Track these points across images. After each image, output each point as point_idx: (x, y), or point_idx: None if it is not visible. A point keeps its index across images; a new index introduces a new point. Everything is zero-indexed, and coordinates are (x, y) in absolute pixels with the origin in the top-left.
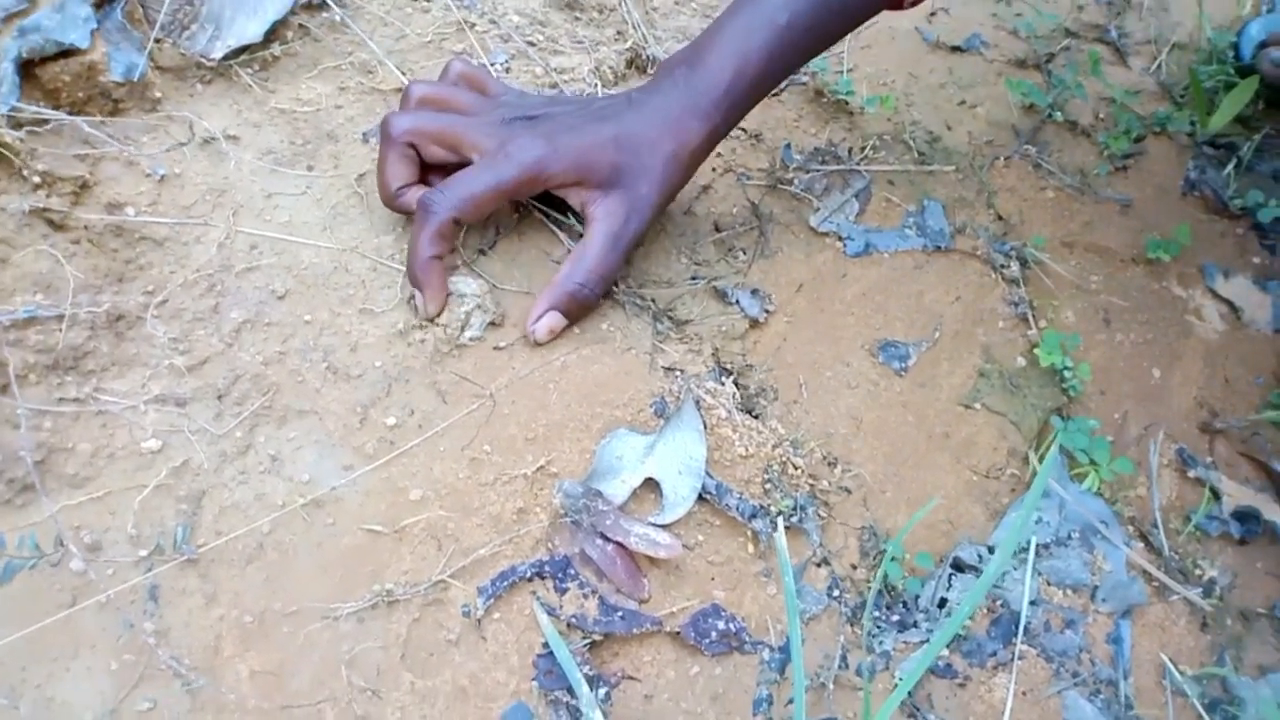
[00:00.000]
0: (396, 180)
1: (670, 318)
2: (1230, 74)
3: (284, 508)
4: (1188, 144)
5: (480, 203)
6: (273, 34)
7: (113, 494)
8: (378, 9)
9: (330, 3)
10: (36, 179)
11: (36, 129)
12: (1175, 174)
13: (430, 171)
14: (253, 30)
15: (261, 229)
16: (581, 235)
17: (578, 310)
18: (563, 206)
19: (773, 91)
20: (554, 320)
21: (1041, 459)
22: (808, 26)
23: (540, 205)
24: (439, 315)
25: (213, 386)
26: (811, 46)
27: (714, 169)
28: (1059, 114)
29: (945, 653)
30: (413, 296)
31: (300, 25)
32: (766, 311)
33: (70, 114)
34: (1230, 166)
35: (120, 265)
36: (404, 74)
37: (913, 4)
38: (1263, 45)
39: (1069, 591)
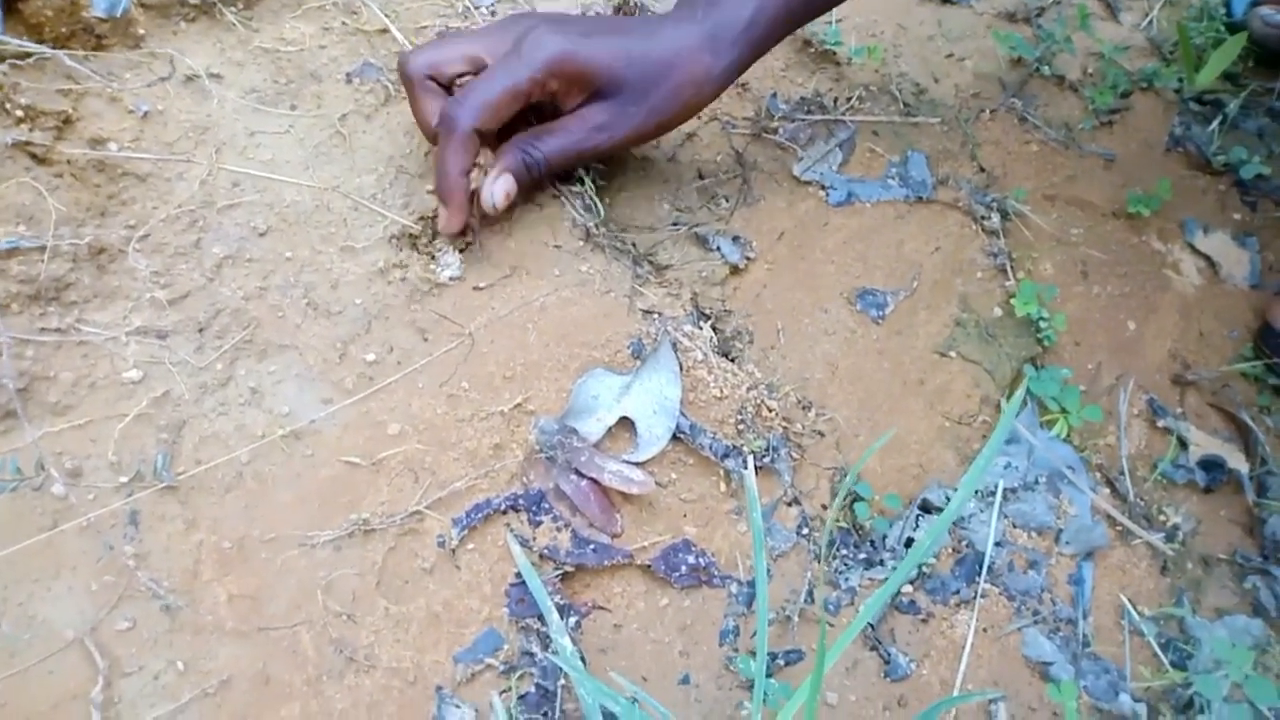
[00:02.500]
0: (430, 116)
1: (650, 262)
2: (1220, 31)
3: (263, 438)
4: (1174, 100)
5: (497, 106)
6: None
7: (94, 422)
8: None
9: None
10: (19, 113)
11: (19, 62)
12: (1160, 130)
13: None
14: None
15: (244, 166)
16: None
17: (527, 181)
18: (572, 177)
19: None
20: (508, 184)
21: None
22: None
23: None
24: (460, 233)
25: (194, 320)
26: None
27: (699, 117)
28: (1047, 68)
29: (909, 589)
30: (434, 214)
31: None
32: (747, 258)
33: (53, 49)
34: (1216, 123)
35: (103, 200)
36: (387, 15)
37: None
38: (1255, 3)
39: (1033, 534)
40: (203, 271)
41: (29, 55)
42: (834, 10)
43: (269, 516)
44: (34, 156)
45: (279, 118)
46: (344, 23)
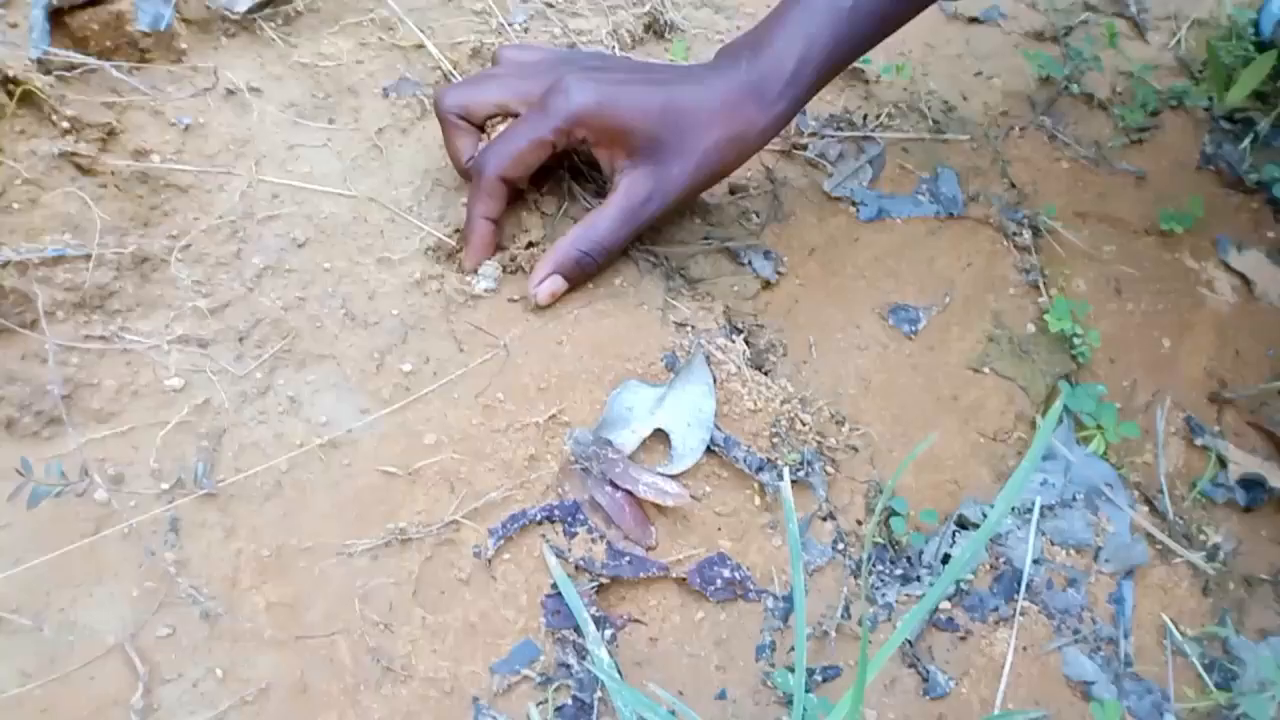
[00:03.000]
0: (461, 153)
1: (683, 275)
2: (1249, 50)
3: (302, 447)
4: (1204, 118)
5: (521, 157)
6: None
7: (136, 429)
8: None
9: None
10: (65, 124)
11: (65, 73)
12: (1191, 148)
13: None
14: None
15: (283, 178)
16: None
17: (579, 277)
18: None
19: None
20: (556, 285)
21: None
22: (871, 10)
23: (576, 171)
24: (474, 271)
25: (234, 329)
26: (874, 32)
27: None
28: (1075, 86)
29: (947, 606)
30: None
31: None
32: (778, 273)
33: (99, 61)
34: (1247, 141)
35: (145, 210)
36: (423, 31)
37: None
38: None
39: (1072, 551)
40: (243, 281)
41: (75, 68)
42: None
43: (307, 525)
44: (79, 167)
45: (317, 131)
46: (380, 38)
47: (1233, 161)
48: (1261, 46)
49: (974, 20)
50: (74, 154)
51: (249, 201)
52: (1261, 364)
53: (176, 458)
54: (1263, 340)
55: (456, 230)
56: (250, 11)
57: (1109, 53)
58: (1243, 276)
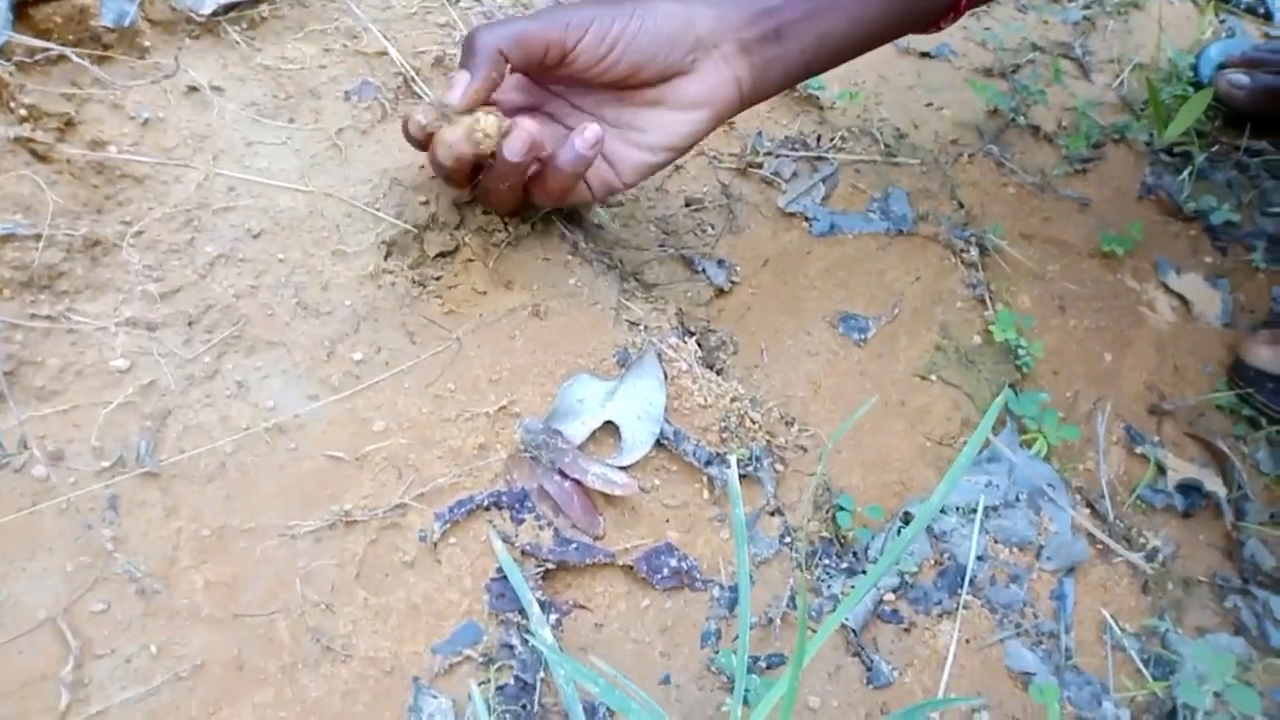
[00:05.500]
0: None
1: (638, 280)
2: (1188, 90)
3: (247, 430)
4: (1144, 152)
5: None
6: None
7: (79, 408)
8: None
9: None
10: (23, 111)
11: (26, 60)
12: (1132, 178)
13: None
14: None
15: (240, 173)
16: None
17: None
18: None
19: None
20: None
21: (993, 428)
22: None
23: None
24: (458, 104)
25: (184, 314)
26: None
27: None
28: (1022, 118)
29: (891, 599)
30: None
31: None
32: (732, 281)
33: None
34: (1186, 173)
35: (100, 197)
36: (387, 39)
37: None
38: (1221, 67)
39: (1015, 549)
40: (195, 268)
41: (36, 54)
42: None
43: (250, 506)
44: (34, 154)
45: (277, 130)
46: (344, 45)
47: (1172, 192)
48: (1199, 86)
49: (925, 55)
50: (30, 140)
51: (205, 193)
52: (1199, 379)
53: (119, 437)
54: (1200, 357)
55: (414, 226)
56: (215, 14)
57: (1055, 89)
58: (1181, 298)
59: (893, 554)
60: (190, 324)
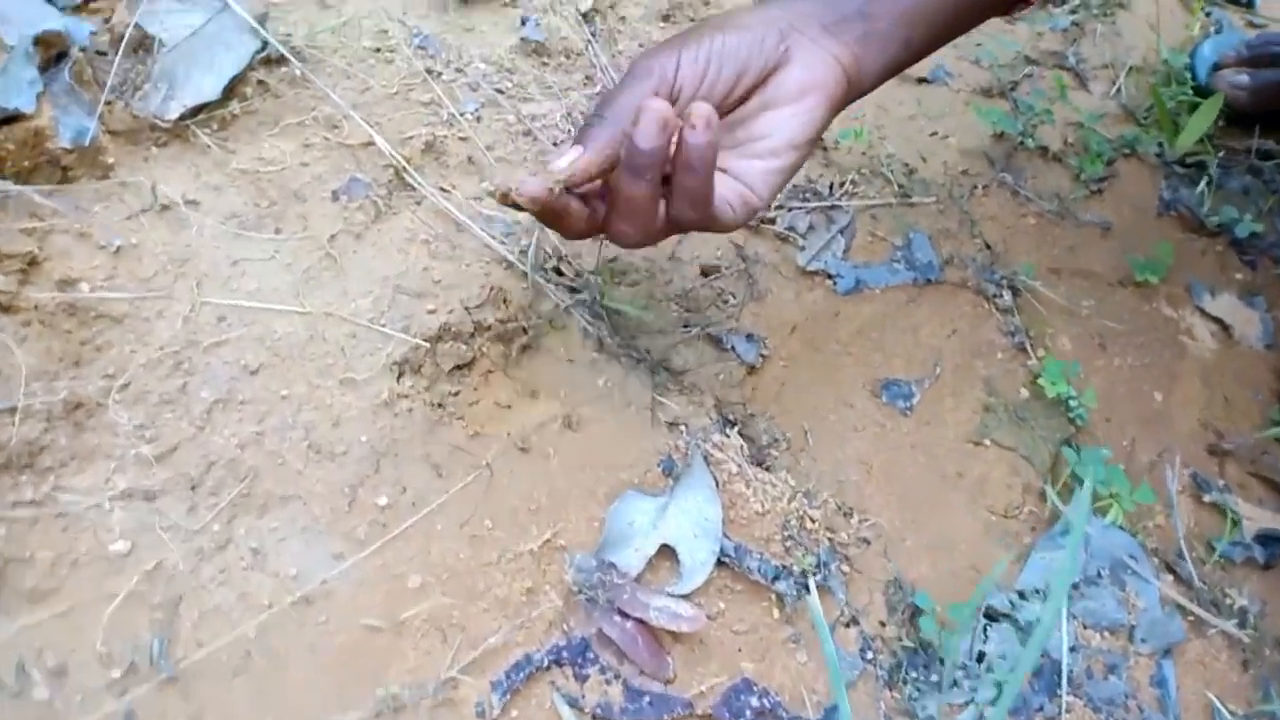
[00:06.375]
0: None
1: (667, 369)
2: (1188, 94)
3: (270, 608)
4: (1157, 165)
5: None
6: (230, 91)
7: (78, 607)
8: (339, 61)
9: (289, 56)
10: None
11: None
12: (1149, 194)
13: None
14: (209, 88)
15: (229, 299)
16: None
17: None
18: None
19: None
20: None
21: (1059, 493)
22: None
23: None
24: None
25: (185, 476)
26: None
27: None
28: (1030, 140)
29: (991, 711)
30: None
31: (259, 81)
32: (762, 355)
33: (16, 184)
34: (1203, 184)
35: (76, 347)
36: (370, 126)
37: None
38: (1216, 66)
39: (1106, 634)
40: (191, 420)
41: None
42: None
43: (284, 701)
44: None
45: (263, 243)
46: (325, 138)
47: (1192, 206)
48: (1200, 91)
49: (923, 80)
50: None
51: (192, 328)
52: (1250, 409)
53: (127, 637)
54: (1248, 385)
55: (425, 340)
56: (183, 118)
57: (1057, 104)
58: (1220, 321)
59: (1007, 699)
60: (193, 488)
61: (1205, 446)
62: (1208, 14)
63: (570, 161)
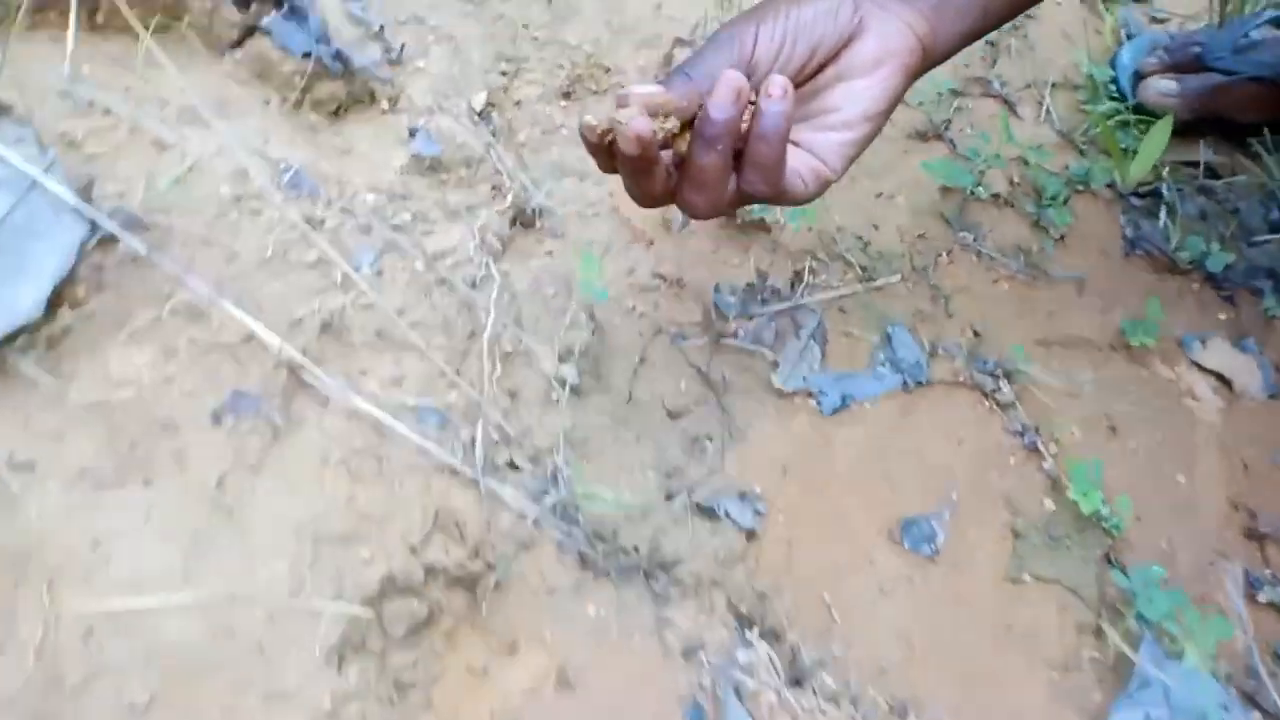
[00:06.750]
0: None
1: (661, 567)
2: (1122, 111)
3: None
4: (1112, 198)
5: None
6: (57, 299)
7: None
8: (192, 224)
9: (123, 235)
10: None
11: None
12: (1112, 233)
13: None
14: (27, 302)
15: (94, 601)
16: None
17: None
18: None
19: None
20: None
21: (1117, 626)
22: None
23: None
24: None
25: None
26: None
27: (640, 333)
28: (981, 190)
29: None
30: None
31: (93, 275)
32: (758, 513)
33: None
34: (1163, 216)
35: None
36: (247, 313)
37: None
38: (1138, 75)
39: None
40: None
41: None
42: None
43: None
44: None
45: (130, 505)
46: (191, 338)
47: (1157, 242)
48: (1136, 109)
49: None
50: None
51: (49, 660)
52: (1271, 473)
53: None
54: (1262, 446)
55: (365, 603)
56: None
57: (995, 140)
58: (1218, 375)
59: None
60: None
61: (1241, 530)
62: (1110, 13)
63: (652, 92)
